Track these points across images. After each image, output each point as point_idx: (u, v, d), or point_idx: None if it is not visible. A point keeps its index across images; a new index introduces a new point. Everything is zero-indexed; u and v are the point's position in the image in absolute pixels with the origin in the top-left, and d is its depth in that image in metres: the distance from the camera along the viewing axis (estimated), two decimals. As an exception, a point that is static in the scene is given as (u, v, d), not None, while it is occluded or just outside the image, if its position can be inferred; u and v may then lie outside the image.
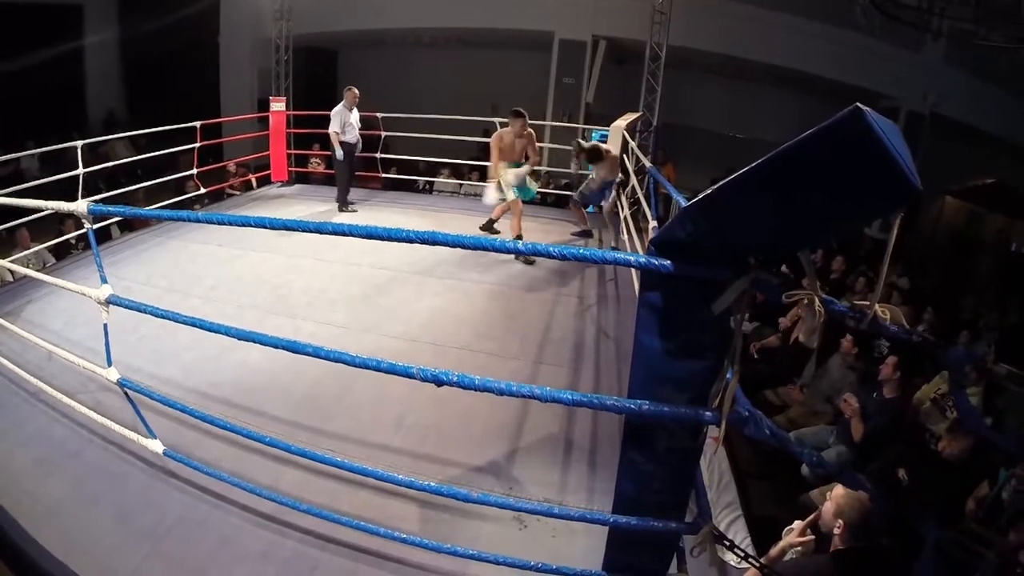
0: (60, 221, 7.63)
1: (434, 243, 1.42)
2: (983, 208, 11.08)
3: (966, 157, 10.87)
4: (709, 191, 1.28)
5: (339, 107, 8.02)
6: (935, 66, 10.76)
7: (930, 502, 3.86)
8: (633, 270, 5.81)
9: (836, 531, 2.46)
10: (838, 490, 2.52)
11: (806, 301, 1.31)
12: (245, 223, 1.71)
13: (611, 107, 11.15)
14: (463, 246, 1.42)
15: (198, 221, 1.81)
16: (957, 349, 1.34)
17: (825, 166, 1.13)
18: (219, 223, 1.69)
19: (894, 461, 4.18)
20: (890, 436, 4.53)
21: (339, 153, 8.11)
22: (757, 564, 2.09)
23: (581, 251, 1.46)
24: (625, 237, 6.78)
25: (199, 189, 8.53)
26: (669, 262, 1.37)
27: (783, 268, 4.74)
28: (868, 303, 1.32)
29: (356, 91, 8.13)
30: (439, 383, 1.65)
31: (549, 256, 1.44)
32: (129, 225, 8.41)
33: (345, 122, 8.03)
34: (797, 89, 12.29)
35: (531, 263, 6.55)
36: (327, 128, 8.00)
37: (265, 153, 9.82)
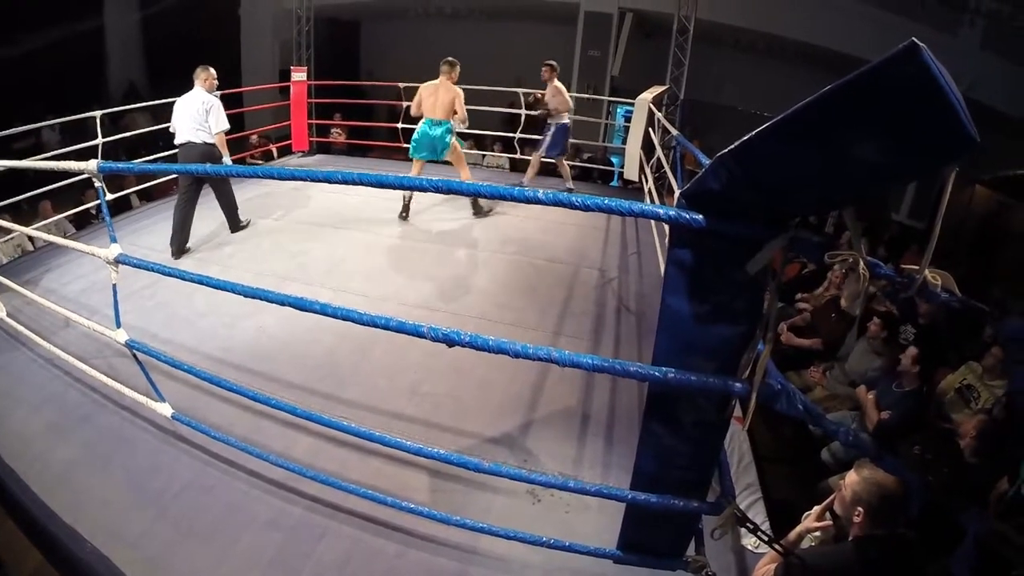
0: (81, 192, 7.63)
1: (448, 191, 1.33)
2: (1014, 199, 10.76)
3: (998, 145, 10.54)
4: (746, 137, 1.16)
5: (209, 92, 5.75)
6: (971, 50, 10.41)
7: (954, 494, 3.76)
8: (657, 241, 5.72)
9: (855, 519, 2.36)
10: (851, 476, 2.41)
11: (851, 261, 1.20)
12: (252, 174, 1.64)
13: (637, 81, 10.91)
14: (480, 194, 1.33)
15: (205, 173, 1.74)
16: (1015, 321, 1.22)
17: (874, 110, 1.00)
18: (226, 175, 1.61)
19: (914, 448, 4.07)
20: (911, 429, 4.40)
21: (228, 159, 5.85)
22: (780, 550, 1.99)
23: (606, 201, 1.36)
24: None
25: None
26: (701, 216, 1.26)
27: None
28: (917, 268, 1.21)
29: (212, 70, 5.87)
30: (451, 343, 1.56)
31: (572, 207, 1.34)
32: (148, 195, 8.40)
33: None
34: (828, 68, 11.88)
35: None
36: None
37: (286, 123, 9.76)
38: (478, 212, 6.89)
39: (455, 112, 6.21)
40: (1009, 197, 10.79)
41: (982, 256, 10.48)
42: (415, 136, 6.34)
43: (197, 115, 5.54)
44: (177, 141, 5.63)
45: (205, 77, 5.75)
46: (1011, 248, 10.66)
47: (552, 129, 7.50)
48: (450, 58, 6.33)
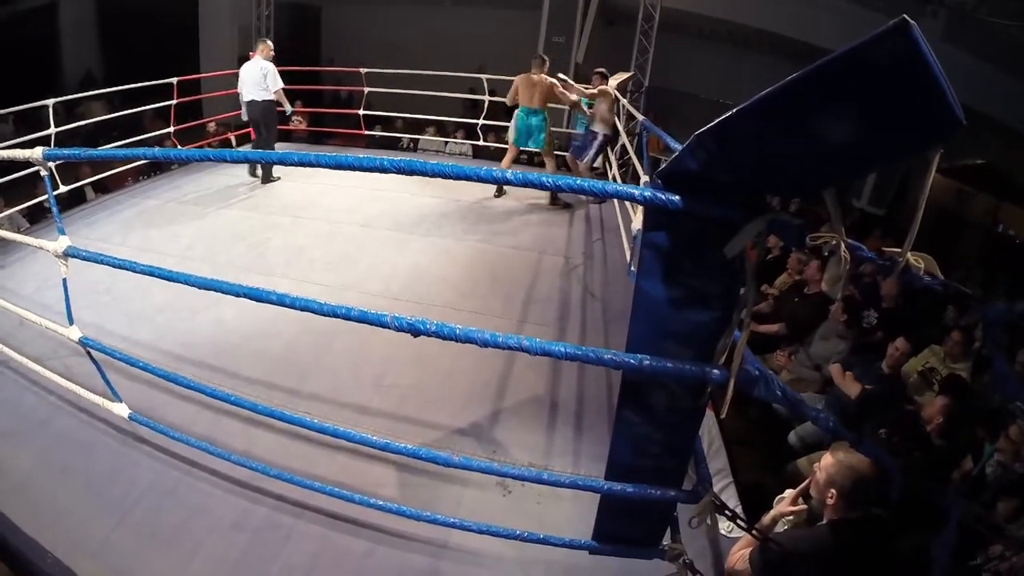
0: (33, 185, 7.35)
1: (412, 172, 1.26)
2: (971, 188, 11.00)
3: (958, 135, 10.73)
4: (726, 115, 1.10)
5: (266, 60, 7.12)
6: (933, 42, 10.50)
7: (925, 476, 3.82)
8: (621, 227, 5.68)
9: (829, 501, 2.36)
10: (826, 459, 2.41)
11: (833, 243, 1.16)
12: (203, 157, 1.55)
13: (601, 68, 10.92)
14: (444, 175, 1.26)
15: (155, 158, 1.65)
16: (996, 305, 1.20)
17: (859, 88, 0.95)
18: (176, 159, 1.52)
19: (880, 429, 4.12)
20: (882, 407, 4.46)
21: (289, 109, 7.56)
22: (758, 536, 1.98)
23: (579, 182, 1.30)
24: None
25: (176, 148, 8.18)
26: (678, 197, 1.21)
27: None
28: (900, 251, 1.18)
29: (269, 43, 7.28)
30: (416, 332, 1.49)
31: (543, 187, 1.28)
32: (104, 188, 8.12)
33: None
34: (790, 57, 12.00)
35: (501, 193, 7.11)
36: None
37: (246, 111, 9.51)
38: (555, 204, 7.01)
39: (553, 100, 6.94)
40: (966, 185, 11.03)
41: (939, 241, 10.71)
42: (515, 125, 7.07)
43: (258, 78, 6.99)
44: (244, 100, 7.18)
45: (263, 48, 7.13)
46: (967, 234, 10.92)
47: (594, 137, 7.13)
48: (542, 55, 7.15)
